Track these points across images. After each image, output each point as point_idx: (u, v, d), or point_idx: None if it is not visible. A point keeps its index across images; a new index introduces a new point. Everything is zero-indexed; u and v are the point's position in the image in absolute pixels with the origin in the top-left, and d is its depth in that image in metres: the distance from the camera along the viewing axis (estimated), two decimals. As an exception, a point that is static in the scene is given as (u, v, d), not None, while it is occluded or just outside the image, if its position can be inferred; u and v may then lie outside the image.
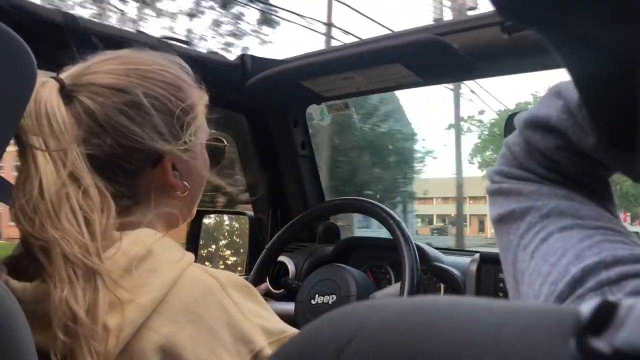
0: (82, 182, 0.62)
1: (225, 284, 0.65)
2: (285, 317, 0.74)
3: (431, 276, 1.33)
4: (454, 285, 1.27)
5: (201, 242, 1.65)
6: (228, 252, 1.72)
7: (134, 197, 0.70)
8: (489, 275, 1.22)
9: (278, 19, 10.71)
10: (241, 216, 1.72)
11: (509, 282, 0.45)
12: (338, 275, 1.25)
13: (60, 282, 0.57)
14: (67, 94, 0.67)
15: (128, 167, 0.68)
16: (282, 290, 1.43)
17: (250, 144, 1.60)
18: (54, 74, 0.70)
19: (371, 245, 1.52)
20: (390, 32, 1.19)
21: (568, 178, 0.45)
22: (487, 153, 26.51)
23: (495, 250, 1.31)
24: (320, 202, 1.67)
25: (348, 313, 0.24)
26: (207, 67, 1.21)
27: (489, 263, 1.23)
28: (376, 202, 1.30)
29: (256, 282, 1.35)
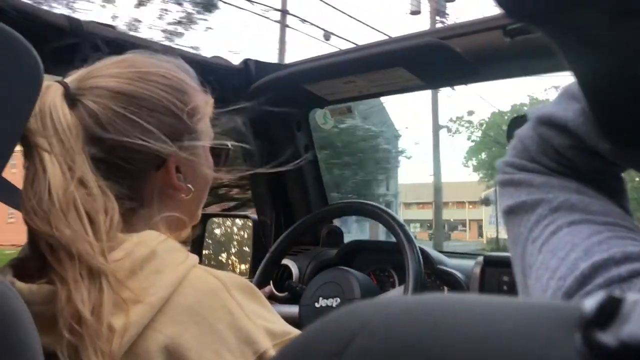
0: (86, 185, 0.63)
1: (229, 286, 0.65)
2: (289, 320, 0.74)
3: (435, 279, 1.33)
4: (457, 289, 1.27)
5: (205, 245, 1.65)
6: (232, 255, 1.72)
7: (138, 200, 0.70)
8: (493, 278, 1.22)
9: (223, 4, 10.10)
10: (245, 219, 1.72)
11: (517, 275, 0.45)
12: (342, 279, 1.25)
13: (67, 282, 0.58)
14: (71, 97, 0.67)
15: (132, 170, 0.69)
16: (285, 293, 1.43)
17: (253, 147, 1.60)
18: (59, 78, 0.70)
19: (375, 249, 1.52)
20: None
21: (580, 173, 0.45)
22: (482, 156, 26.06)
23: (498, 253, 1.31)
24: (323, 205, 1.67)
25: (352, 310, 0.24)
26: (210, 71, 1.21)
27: (493, 266, 1.23)
28: (380, 206, 1.31)
29: (260, 285, 1.35)
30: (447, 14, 16.44)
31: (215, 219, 1.73)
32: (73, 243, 0.59)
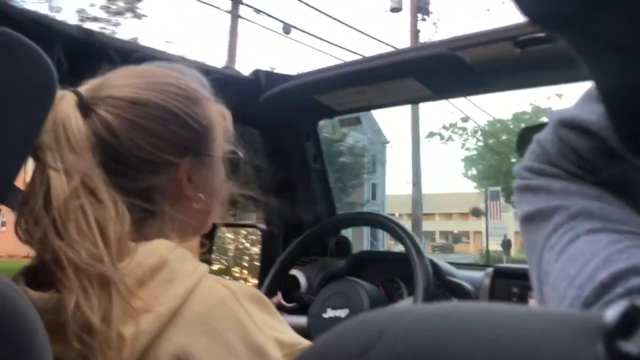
0: (97, 194, 0.63)
1: (239, 295, 0.65)
2: (297, 330, 0.74)
3: (444, 290, 1.32)
4: (467, 300, 1.26)
5: (213, 254, 1.65)
6: (239, 264, 1.72)
7: (149, 209, 0.70)
8: (503, 290, 1.21)
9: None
10: (253, 229, 1.72)
11: (533, 283, 0.44)
12: (350, 289, 1.24)
13: (74, 291, 0.58)
14: (85, 107, 0.68)
15: (144, 179, 0.69)
16: (294, 303, 1.43)
17: (262, 157, 1.61)
18: (72, 88, 0.71)
19: (383, 259, 1.51)
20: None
21: (600, 178, 0.44)
22: (480, 166, 25.17)
23: (508, 265, 1.30)
24: (331, 215, 1.67)
25: (368, 320, 0.24)
26: (221, 82, 1.22)
27: (503, 277, 1.22)
28: (389, 216, 1.30)
29: (268, 295, 1.34)
30: (430, 12, 15.94)
31: (224, 228, 1.73)
32: (67, 253, 0.59)
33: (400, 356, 0.21)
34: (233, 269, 1.71)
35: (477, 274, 1.29)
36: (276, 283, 1.40)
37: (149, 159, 0.69)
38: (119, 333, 0.57)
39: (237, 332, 0.62)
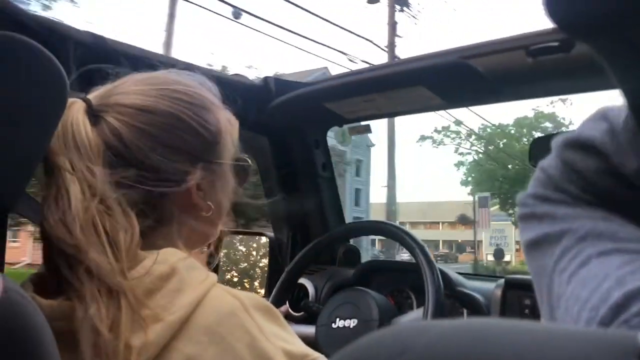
0: (106, 202, 0.63)
1: (248, 306, 0.65)
2: (305, 340, 0.73)
3: (454, 301, 1.30)
4: (477, 311, 1.25)
5: (221, 263, 1.64)
6: (247, 272, 1.71)
7: (158, 217, 0.70)
8: (514, 301, 1.19)
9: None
10: (261, 237, 1.71)
11: (543, 308, 0.43)
12: (359, 299, 1.23)
13: (85, 299, 0.57)
14: (94, 114, 0.68)
15: (153, 187, 0.69)
16: (302, 313, 1.42)
17: (271, 164, 1.60)
18: (82, 94, 0.71)
19: (393, 269, 1.50)
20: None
21: (606, 200, 0.43)
22: (473, 172, 24.20)
23: (520, 276, 1.29)
24: (340, 224, 1.66)
25: (390, 335, 0.23)
26: (230, 89, 1.22)
27: (515, 289, 1.21)
28: (399, 226, 1.29)
29: (276, 304, 1.33)
30: (409, 3, 15.66)
31: (232, 236, 1.72)
32: (92, 260, 0.59)
33: None
34: (240, 276, 1.70)
35: (488, 285, 1.28)
36: (284, 292, 1.39)
37: (157, 167, 0.68)
38: (127, 343, 0.57)
39: (245, 342, 0.62)
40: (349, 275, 1.48)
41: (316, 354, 0.72)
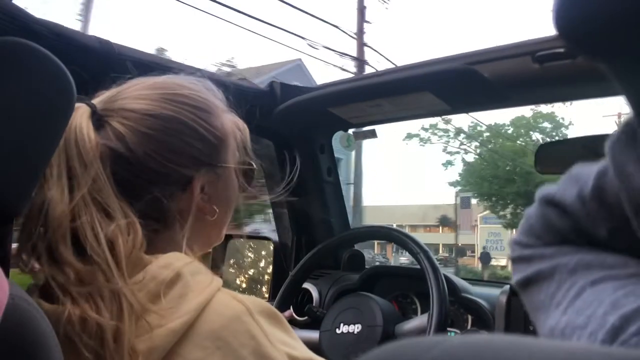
0: (107, 207, 0.63)
1: (253, 310, 0.64)
2: (308, 345, 0.73)
3: (458, 307, 1.30)
4: (482, 318, 1.24)
5: (225, 267, 1.64)
6: (251, 276, 1.71)
7: (162, 221, 0.70)
8: (519, 308, 1.18)
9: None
10: (266, 241, 1.71)
11: None
12: (363, 305, 1.23)
13: (81, 304, 0.57)
14: (98, 118, 0.68)
15: (157, 191, 0.69)
16: (305, 317, 1.41)
17: (276, 169, 1.60)
18: (87, 99, 0.71)
19: (397, 275, 1.50)
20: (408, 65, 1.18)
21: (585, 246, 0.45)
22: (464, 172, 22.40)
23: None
24: (345, 228, 1.65)
25: (396, 351, 0.23)
26: (236, 94, 1.22)
27: (520, 295, 1.20)
28: (403, 231, 1.29)
29: (280, 309, 1.33)
30: None
31: (236, 240, 1.72)
32: (76, 265, 0.59)
33: None
34: (244, 280, 1.70)
35: (493, 291, 1.27)
36: (288, 297, 1.38)
37: (162, 172, 0.68)
38: (132, 348, 0.57)
39: (250, 347, 0.61)
40: (354, 280, 1.48)
41: (320, 359, 0.71)
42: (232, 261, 1.69)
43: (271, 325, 0.66)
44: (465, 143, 22.13)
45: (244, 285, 1.69)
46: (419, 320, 1.18)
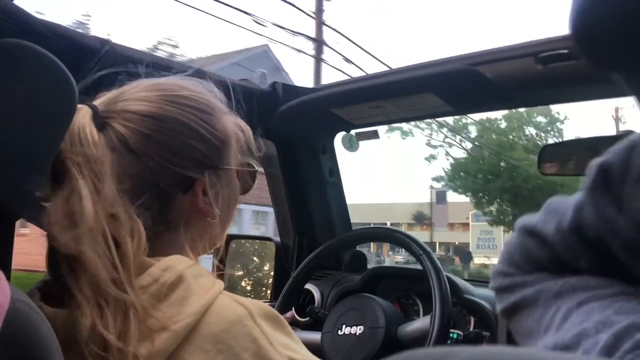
0: (113, 208, 0.63)
1: (255, 314, 0.64)
2: (310, 347, 0.73)
3: (461, 309, 1.29)
4: (485, 320, 1.24)
5: (227, 268, 1.64)
6: (254, 278, 1.71)
7: (164, 223, 0.70)
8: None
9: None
10: (267, 242, 1.71)
11: None
12: (365, 306, 1.22)
13: (89, 308, 0.57)
14: (100, 120, 0.68)
15: (159, 193, 0.68)
16: (307, 318, 1.41)
17: (278, 170, 1.60)
18: (89, 100, 0.70)
19: (399, 276, 1.49)
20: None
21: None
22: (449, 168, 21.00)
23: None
24: (347, 229, 1.65)
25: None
26: (238, 95, 1.22)
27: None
28: (405, 232, 1.28)
29: (282, 310, 1.33)
30: None
31: (238, 241, 1.72)
32: (96, 269, 0.58)
33: None
34: (246, 282, 1.70)
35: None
36: (290, 298, 1.38)
37: (164, 173, 0.68)
38: (134, 352, 0.56)
39: (252, 351, 0.61)
40: (355, 281, 1.47)
41: None
42: (233, 263, 1.69)
43: (273, 329, 0.66)
44: (449, 136, 20.96)
45: (245, 287, 1.68)
46: (422, 321, 1.17)
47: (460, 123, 20.09)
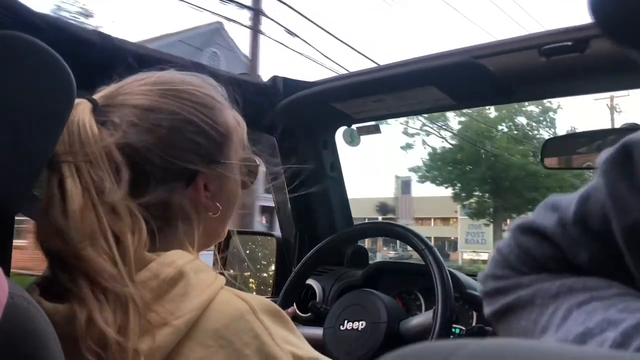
0: (113, 203, 0.62)
1: (257, 309, 0.64)
2: (312, 342, 0.72)
3: (463, 304, 1.29)
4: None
5: (228, 263, 1.63)
6: (254, 273, 1.70)
7: (165, 218, 0.69)
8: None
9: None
10: (269, 237, 1.70)
11: None
12: (367, 301, 1.22)
13: (86, 304, 0.56)
14: (100, 114, 0.67)
15: (160, 188, 0.68)
16: (309, 314, 1.41)
17: (279, 165, 1.59)
18: (88, 94, 0.70)
19: (401, 271, 1.49)
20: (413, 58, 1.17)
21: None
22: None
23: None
24: (348, 224, 1.65)
25: (415, 355, 0.22)
26: (238, 89, 1.21)
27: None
28: (407, 227, 1.28)
29: (284, 305, 1.32)
30: None
31: (239, 236, 1.72)
32: (92, 266, 0.58)
33: None
34: (247, 277, 1.69)
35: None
36: (292, 294, 1.37)
37: (165, 168, 0.67)
38: (135, 347, 0.56)
39: (254, 346, 0.61)
40: (357, 277, 1.47)
41: (325, 358, 0.71)
42: (234, 258, 1.68)
43: (275, 324, 0.65)
44: (427, 124, 19.24)
45: (246, 283, 1.68)
46: (424, 316, 1.17)
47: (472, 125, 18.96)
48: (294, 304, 1.40)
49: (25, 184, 0.60)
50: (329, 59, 13.33)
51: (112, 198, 0.62)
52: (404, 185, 18.06)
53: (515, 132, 18.25)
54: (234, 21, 9.96)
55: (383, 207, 24.97)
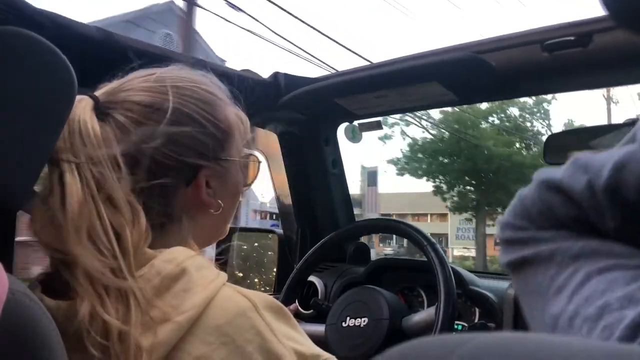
0: (114, 199, 0.62)
1: (259, 306, 0.64)
2: (314, 339, 0.72)
3: (466, 300, 1.29)
4: (490, 311, 1.23)
5: (229, 260, 1.63)
6: (256, 270, 1.70)
7: (167, 215, 0.69)
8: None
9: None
10: (270, 234, 1.70)
11: (536, 327, 0.42)
12: (369, 298, 1.22)
13: (90, 299, 0.56)
14: (101, 111, 0.67)
15: (162, 184, 0.68)
16: (311, 311, 1.40)
17: (281, 161, 1.59)
18: (89, 90, 0.70)
19: (403, 267, 1.49)
20: (426, 51, 1.16)
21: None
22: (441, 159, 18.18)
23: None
24: (350, 221, 1.64)
25: (421, 348, 0.22)
26: (240, 85, 1.21)
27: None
28: (409, 223, 1.28)
29: (286, 302, 1.32)
30: None
31: (241, 233, 1.72)
32: (81, 260, 0.58)
33: None
34: (249, 274, 1.69)
35: (502, 284, 1.26)
36: (294, 290, 1.37)
37: (166, 165, 0.67)
38: (137, 343, 0.56)
39: (256, 343, 0.61)
40: (359, 273, 1.47)
41: (327, 355, 0.71)
42: (236, 255, 1.68)
43: (277, 321, 0.65)
44: (409, 115, 17.05)
45: (248, 279, 1.68)
46: (426, 313, 1.17)
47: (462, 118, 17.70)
48: (296, 301, 1.40)
49: (27, 180, 0.59)
50: (284, 37, 12.40)
51: (113, 193, 0.62)
52: (370, 177, 16.28)
53: (507, 123, 17.59)
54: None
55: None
